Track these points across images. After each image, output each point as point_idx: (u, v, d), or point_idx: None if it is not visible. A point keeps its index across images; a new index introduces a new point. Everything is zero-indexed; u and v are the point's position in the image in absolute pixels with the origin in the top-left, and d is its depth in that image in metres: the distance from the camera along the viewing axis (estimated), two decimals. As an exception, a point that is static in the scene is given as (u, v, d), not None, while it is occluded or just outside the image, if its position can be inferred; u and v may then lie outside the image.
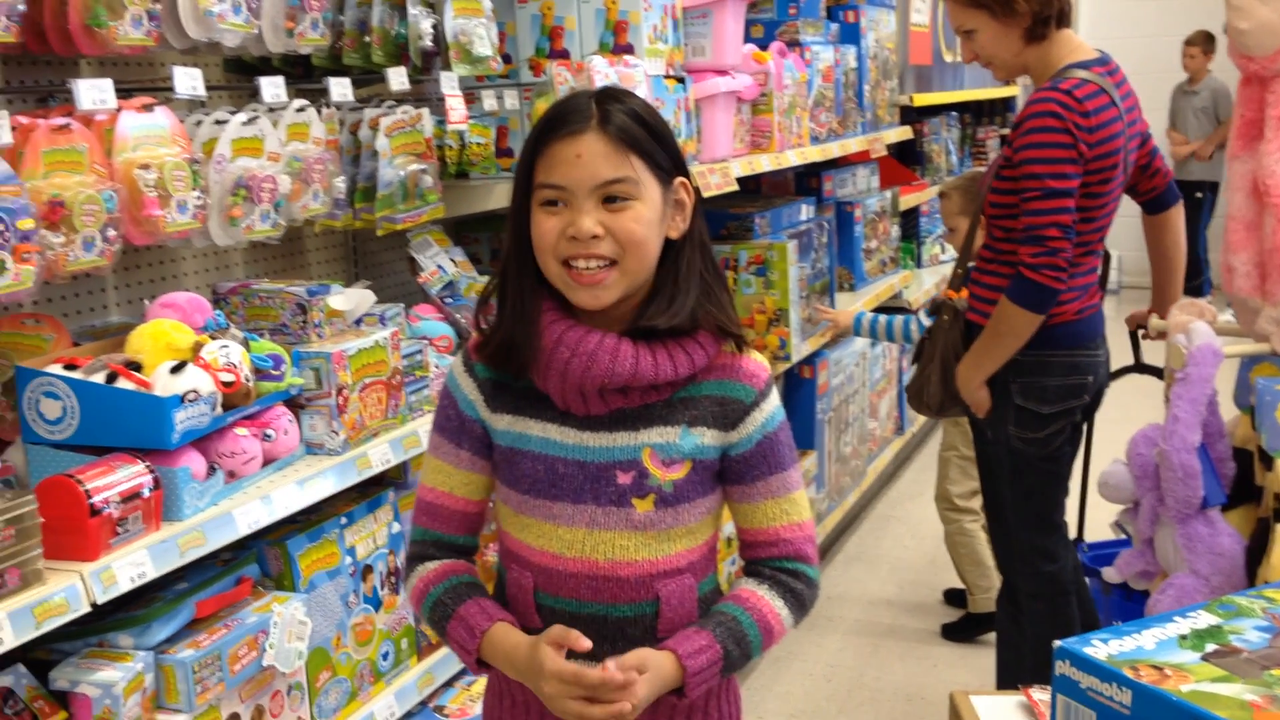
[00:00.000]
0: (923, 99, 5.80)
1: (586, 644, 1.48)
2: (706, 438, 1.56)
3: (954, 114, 6.99)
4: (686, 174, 1.59)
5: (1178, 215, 3.12)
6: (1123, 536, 2.87)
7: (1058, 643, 1.28)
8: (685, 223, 1.58)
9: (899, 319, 3.76)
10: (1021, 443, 2.91)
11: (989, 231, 2.93)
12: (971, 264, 3.04)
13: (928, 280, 5.75)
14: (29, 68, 2.20)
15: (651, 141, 1.53)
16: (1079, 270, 2.82)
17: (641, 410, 1.55)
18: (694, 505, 1.58)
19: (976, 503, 3.97)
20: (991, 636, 3.51)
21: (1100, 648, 1.26)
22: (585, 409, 1.55)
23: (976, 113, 7.81)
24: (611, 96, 1.54)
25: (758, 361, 1.60)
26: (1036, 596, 2.99)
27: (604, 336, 1.52)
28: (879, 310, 5.05)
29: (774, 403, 1.61)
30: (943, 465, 4.07)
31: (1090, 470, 3.20)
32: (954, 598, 4.26)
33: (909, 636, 4.05)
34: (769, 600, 1.58)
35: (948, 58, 6.44)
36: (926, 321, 3.61)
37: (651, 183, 1.53)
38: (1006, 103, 8.13)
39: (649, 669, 1.49)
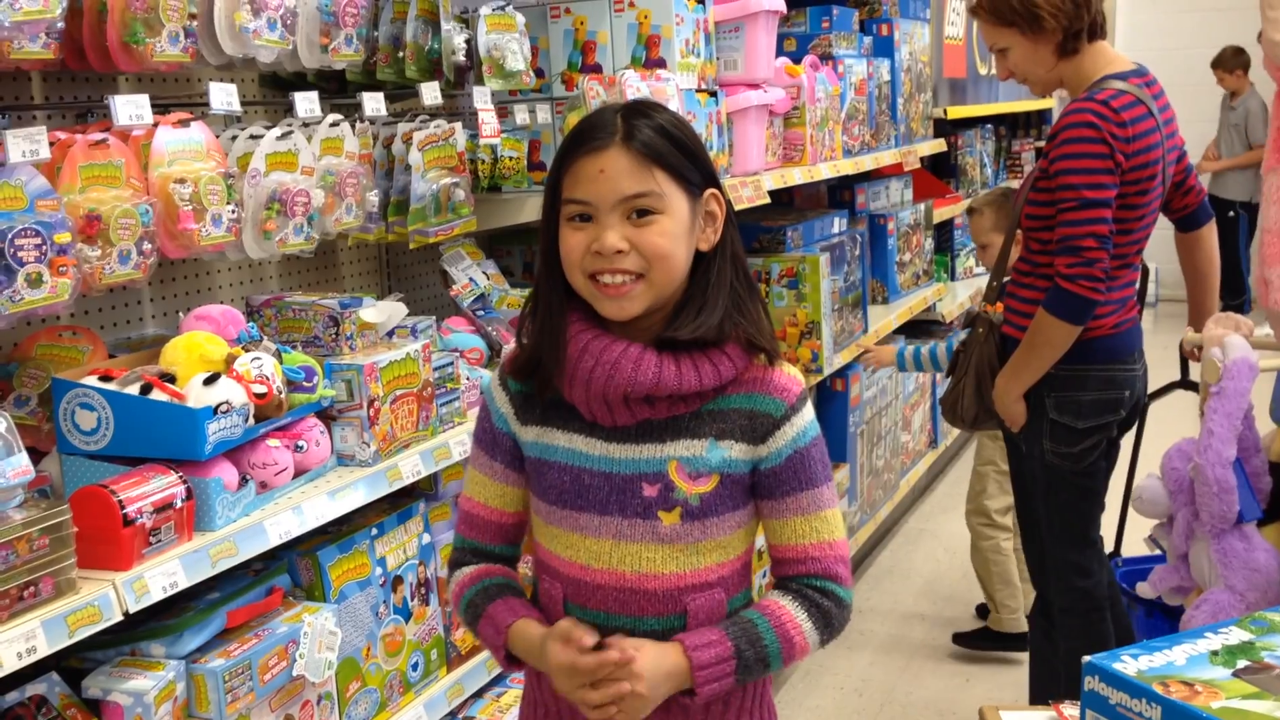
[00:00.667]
0: (957, 112, 5.78)
1: (591, 640, 1.49)
2: (735, 451, 1.54)
3: (989, 127, 6.96)
4: (718, 186, 1.58)
5: (1210, 233, 3.10)
6: (1158, 552, 2.84)
7: (1087, 658, 1.26)
8: (716, 235, 1.57)
9: (941, 346, 3.72)
10: (1056, 458, 2.88)
11: (1025, 244, 2.91)
12: (1007, 278, 3.02)
13: (962, 293, 5.72)
14: (68, 84, 2.24)
15: (678, 154, 1.53)
16: (1116, 284, 2.80)
17: (669, 422, 1.54)
18: (723, 519, 1.56)
19: (1012, 519, 3.94)
20: (1024, 655, 3.48)
21: (1130, 663, 1.25)
22: (611, 420, 1.55)
23: (1011, 125, 7.78)
24: (638, 111, 1.54)
25: (790, 375, 1.58)
26: (1070, 612, 2.96)
27: (628, 346, 1.51)
28: (913, 324, 5.04)
29: (806, 418, 1.58)
30: (979, 479, 4.03)
31: (1133, 485, 3.16)
32: (988, 613, 4.23)
33: (941, 652, 4.02)
34: (791, 611, 1.56)
35: (982, 70, 6.42)
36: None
37: (678, 196, 1.52)
38: (1042, 115, 8.08)
39: (649, 649, 1.49)
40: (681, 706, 1.56)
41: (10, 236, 1.72)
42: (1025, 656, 3.32)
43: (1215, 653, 1.26)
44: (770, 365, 1.58)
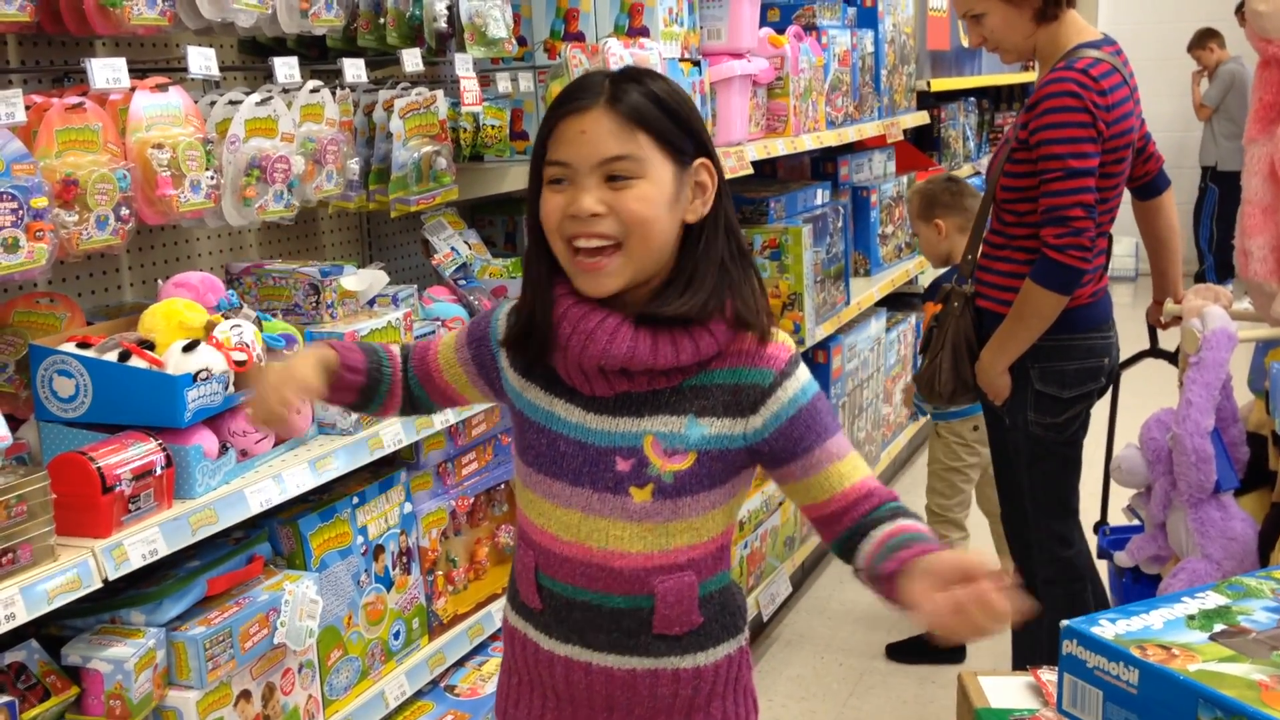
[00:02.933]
0: (940, 84, 5.77)
1: None
2: (715, 427, 1.50)
3: (971, 100, 6.95)
4: (711, 156, 1.54)
5: (1169, 200, 3.12)
6: (1135, 522, 2.86)
7: (1065, 623, 1.27)
8: (705, 207, 1.53)
9: None
10: (1040, 429, 2.89)
11: (997, 216, 2.91)
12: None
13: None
14: (44, 48, 2.21)
15: (665, 120, 1.49)
16: (1092, 252, 2.81)
17: (648, 396, 1.51)
18: (697, 499, 1.52)
19: (964, 517, 3.95)
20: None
21: (1108, 627, 1.26)
22: (590, 390, 1.53)
23: (995, 98, 7.78)
24: (629, 75, 1.52)
25: (779, 344, 1.54)
26: (1053, 582, 2.99)
27: (606, 317, 1.49)
28: (894, 297, 5.05)
29: (801, 379, 1.53)
30: (930, 479, 3.99)
31: (1112, 455, 3.18)
32: None
33: (922, 622, 4.05)
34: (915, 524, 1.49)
35: (965, 43, 6.39)
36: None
37: (662, 162, 1.49)
38: (1025, 89, 8.08)
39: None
40: (658, 695, 1.56)
41: (-14, 201, 1.70)
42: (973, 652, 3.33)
43: (1192, 617, 1.28)
44: (761, 342, 1.53)
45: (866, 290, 4.63)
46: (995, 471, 3.18)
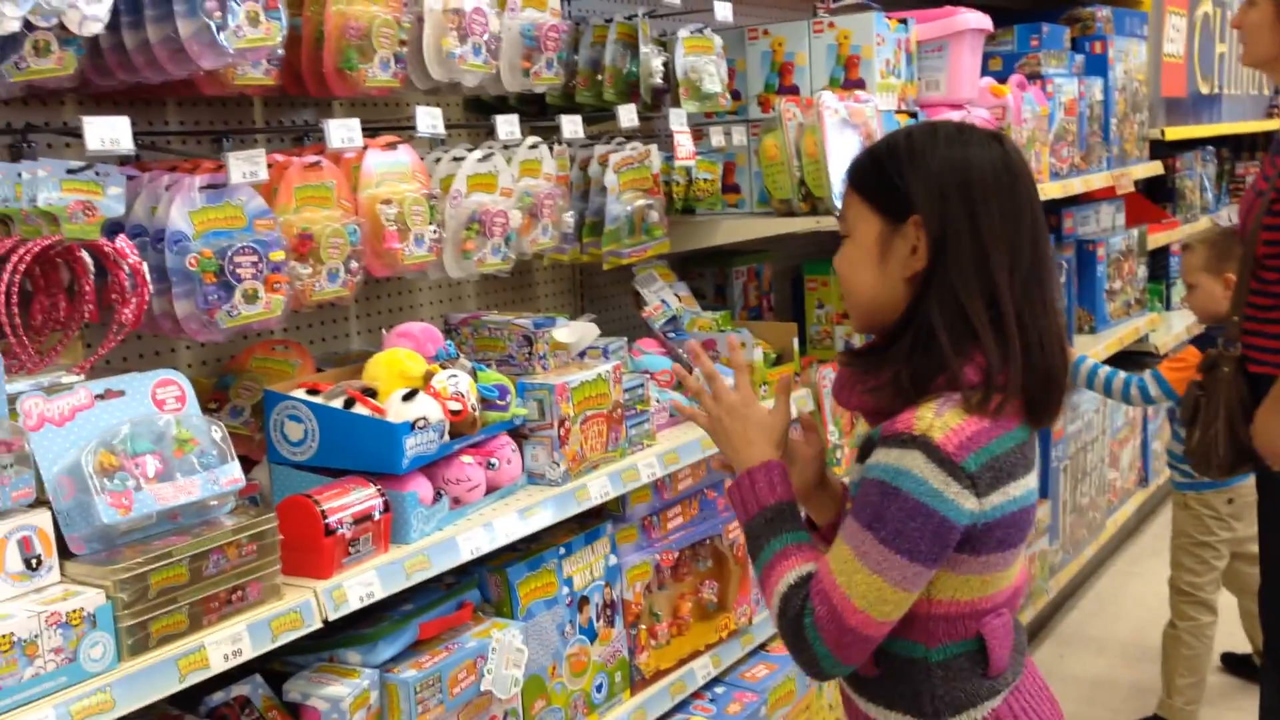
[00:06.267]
0: (1175, 132, 5.48)
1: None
2: (855, 474, 1.58)
3: (1209, 148, 6.57)
4: (929, 216, 1.49)
5: None
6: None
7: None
8: (920, 264, 1.51)
9: (1119, 377, 3.47)
10: None
11: (1258, 275, 2.70)
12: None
13: (1177, 324, 5.41)
14: (287, 108, 2.35)
15: (876, 177, 1.52)
16: None
17: (874, 438, 1.55)
18: None
19: (1215, 596, 3.65)
20: None
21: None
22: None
23: (1235, 147, 7.32)
24: (893, 133, 1.59)
25: (910, 416, 1.46)
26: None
27: (845, 358, 1.63)
28: (1123, 355, 4.79)
29: (890, 456, 1.45)
30: (1175, 554, 3.70)
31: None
32: (1236, 663, 3.94)
33: (1151, 687, 3.78)
34: (794, 565, 1.53)
35: (1204, 89, 6.07)
36: (1153, 387, 3.36)
37: (867, 220, 1.54)
38: (1269, 136, 7.58)
39: (753, 411, 1.64)
40: None
41: (230, 254, 1.80)
42: None
43: None
44: (906, 406, 1.48)
45: (1091, 348, 4.41)
46: (1262, 544, 2.92)
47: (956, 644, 1.55)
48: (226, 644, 1.62)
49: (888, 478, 1.45)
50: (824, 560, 1.50)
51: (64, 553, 1.57)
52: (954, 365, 1.47)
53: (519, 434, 2.23)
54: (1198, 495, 3.61)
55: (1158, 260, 5.60)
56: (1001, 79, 3.90)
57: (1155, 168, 5.20)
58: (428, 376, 2.05)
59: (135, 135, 1.73)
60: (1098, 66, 4.68)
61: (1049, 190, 4.03)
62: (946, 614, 1.53)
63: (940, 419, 1.44)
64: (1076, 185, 4.26)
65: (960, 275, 1.48)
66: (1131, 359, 5.14)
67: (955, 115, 3.41)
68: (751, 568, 1.66)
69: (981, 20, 3.52)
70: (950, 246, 1.48)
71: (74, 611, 1.47)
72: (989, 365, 1.47)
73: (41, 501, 1.56)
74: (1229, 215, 6.03)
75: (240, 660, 1.64)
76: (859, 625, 1.45)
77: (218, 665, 1.61)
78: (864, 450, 1.55)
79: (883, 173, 1.53)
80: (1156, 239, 5.36)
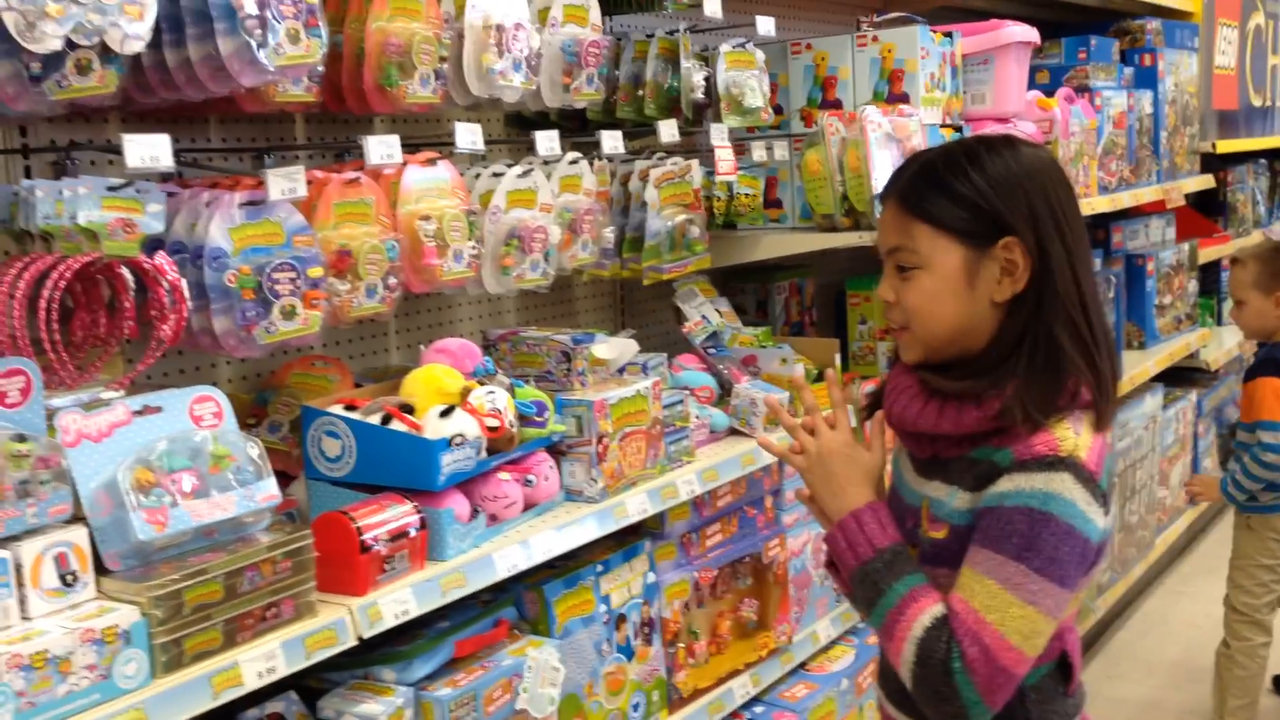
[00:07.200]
0: (1227, 146, 5.39)
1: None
2: (960, 501, 1.49)
3: (1262, 161, 6.46)
4: (1024, 234, 1.46)
5: None
6: None
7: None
8: (1017, 285, 1.47)
9: (1249, 462, 3.43)
10: None
11: None
12: None
13: (1229, 339, 5.31)
14: (328, 125, 2.35)
15: (949, 206, 1.48)
16: None
17: (944, 462, 1.53)
18: (949, 575, 1.47)
19: (1272, 619, 3.57)
20: None
21: None
22: (915, 448, 1.59)
23: (1289, 159, 7.19)
24: (925, 157, 1.54)
25: (1051, 436, 1.43)
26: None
27: (906, 379, 1.55)
28: (1173, 371, 4.70)
29: (1034, 481, 1.41)
30: (1235, 574, 3.62)
31: None
32: None
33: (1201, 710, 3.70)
34: (925, 613, 1.43)
35: (1256, 101, 5.97)
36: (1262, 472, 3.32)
37: (946, 249, 1.49)
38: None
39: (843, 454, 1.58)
40: None
41: (269, 270, 1.80)
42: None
43: None
44: (1034, 430, 1.43)
45: (1141, 364, 4.33)
46: None
47: (1045, 665, 1.54)
48: (260, 661, 1.62)
49: (1036, 504, 1.41)
50: (958, 599, 1.43)
51: (100, 569, 1.58)
52: (1084, 380, 1.46)
53: (557, 450, 2.22)
54: (1261, 518, 3.55)
55: (1209, 275, 5.50)
56: (1049, 92, 3.85)
57: (1206, 181, 5.11)
58: (465, 393, 2.04)
59: (177, 152, 1.73)
60: (1147, 79, 4.61)
61: (1097, 204, 3.97)
62: None
63: (1080, 438, 1.44)
64: (1125, 199, 4.19)
65: (1066, 289, 1.47)
66: (1183, 376, 5.05)
67: (1001, 129, 3.37)
68: (866, 616, 1.53)
69: (1028, 33, 3.47)
70: (1053, 263, 1.47)
71: (108, 628, 1.47)
72: (1101, 377, 1.47)
73: (78, 518, 1.57)
74: None
75: (274, 678, 1.64)
76: (1011, 664, 1.40)
77: (251, 683, 1.60)
78: (981, 478, 1.46)
79: (958, 197, 1.47)
80: (1207, 253, 5.27)
